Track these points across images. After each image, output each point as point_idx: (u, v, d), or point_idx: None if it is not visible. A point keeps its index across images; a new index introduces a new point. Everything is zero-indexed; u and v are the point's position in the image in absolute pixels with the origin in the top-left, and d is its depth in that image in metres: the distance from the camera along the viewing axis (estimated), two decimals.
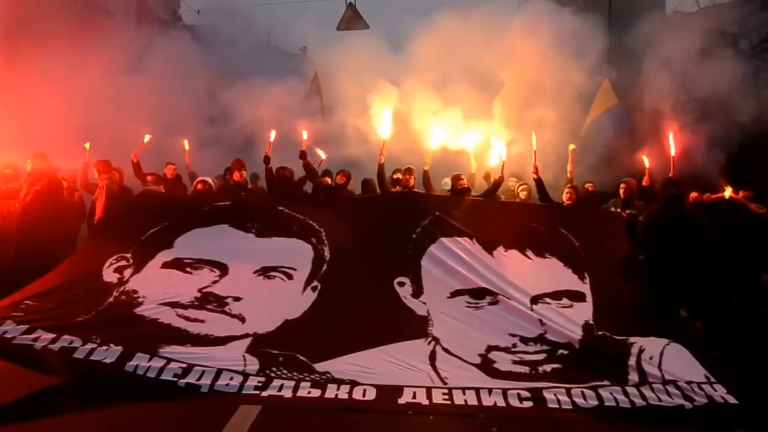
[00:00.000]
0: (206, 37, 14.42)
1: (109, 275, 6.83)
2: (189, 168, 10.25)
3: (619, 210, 8.61)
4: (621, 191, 8.96)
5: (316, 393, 5.45)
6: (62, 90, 9.96)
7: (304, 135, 9.18)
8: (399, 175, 8.94)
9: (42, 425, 4.90)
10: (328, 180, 9.35)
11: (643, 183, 8.83)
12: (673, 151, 8.22)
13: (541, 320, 6.44)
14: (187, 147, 10.31)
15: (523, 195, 8.99)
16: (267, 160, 8.85)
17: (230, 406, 5.19)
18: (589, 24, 10.98)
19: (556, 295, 6.78)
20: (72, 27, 10.53)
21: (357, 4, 14.19)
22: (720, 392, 5.50)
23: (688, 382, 5.62)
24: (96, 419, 4.98)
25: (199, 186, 8.67)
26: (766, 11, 22.97)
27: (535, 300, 6.67)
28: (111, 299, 6.50)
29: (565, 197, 8.35)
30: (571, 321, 6.48)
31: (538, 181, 8.36)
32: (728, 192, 7.20)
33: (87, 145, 9.23)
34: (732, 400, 5.39)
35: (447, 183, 8.85)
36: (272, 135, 9.00)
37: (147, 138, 9.74)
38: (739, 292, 7.19)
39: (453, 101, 9.54)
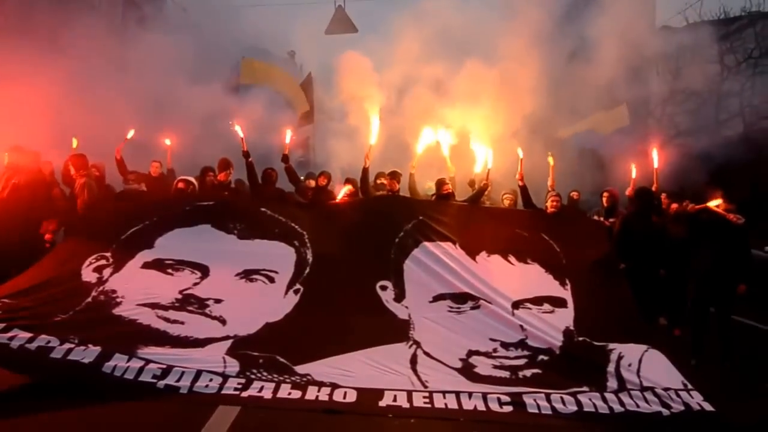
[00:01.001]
0: (191, 37, 14.41)
1: (88, 275, 6.79)
2: (170, 165, 10.33)
3: (601, 219, 8.76)
4: (604, 200, 9.13)
5: (296, 394, 5.49)
6: (44, 83, 9.87)
7: (287, 138, 9.21)
8: (383, 180, 9.02)
9: (19, 425, 4.90)
10: (312, 183, 9.37)
11: (627, 193, 8.98)
12: (656, 164, 8.39)
13: (522, 326, 6.54)
14: (168, 143, 10.37)
15: (507, 202, 9.10)
16: (286, 159, 9.03)
17: (209, 406, 5.21)
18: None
19: (538, 301, 6.88)
20: (55, 19, 10.46)
21: (345, 7, 14.31)
22: (697, 399, 5.64)
23: (666, 389, 5.75)
24: (74, 419, 4.99)
25: (180, 185, 8.62)
26: (751, 27, 23.46)
27: (516, 305, 6.76)
28: (89, 299, 6.48)
29: (549, 204, 8.48)
30: (551, 326, 6.58)
31: (523, 188, 8.50)
32: (716, 202, 7.34)
33: (74, 141, 9.16)
34: (708, 407, 5.53)
35: (431, 188, 8.95)
36: (288, 135, 9.11)
37: (130, 134, 9.68)
38: (717, 301, 7.34)
39: (437, 104, 9.65)
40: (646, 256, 7.77)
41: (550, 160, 9.11)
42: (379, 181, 9.22)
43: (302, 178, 9.88)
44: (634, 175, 9.25)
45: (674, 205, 8.81)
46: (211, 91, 12.67)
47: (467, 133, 9.48)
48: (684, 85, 24.21)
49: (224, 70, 13.84)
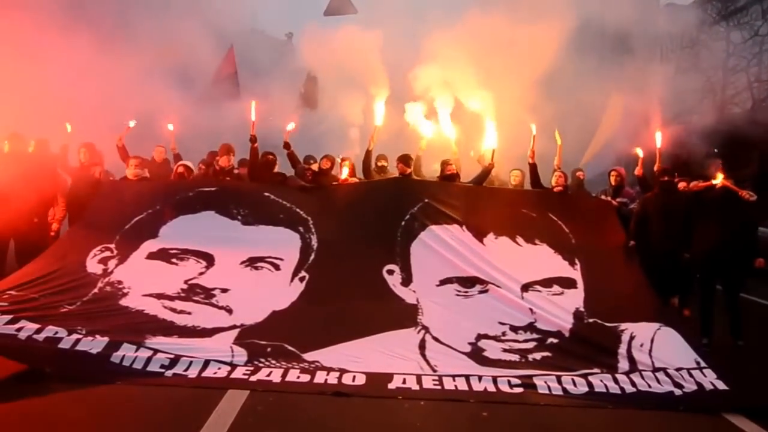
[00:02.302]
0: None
1: (93, 266, 6.89)
2: (174, 150, 10.20)
3: (609, 198, 8.77)
4: (612, 179, 9.13)
5: (305, 378, 5.55)
6: (41, 68, 9.80)
7: (290, 126, 9.20)
8: (384, 163, 9.00)
9: (30, 407, 4.94)
10: (314, 165, 9.35)
11: (636, 173, 9.00)
12: (658, 143, 8.37)
13: (531, 309, 6.57)
14: (171, 128, 10.26)
15: (515, 181, 9.08)
16: (287, 145, 9.04)
17: (219, 390, 5.27)
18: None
19: (547, 283, 6.90)
20: (53, 3, 10.35)
21: None
22: (710, 377, 5.68)
23: (678, 369, 5.79)
24: (83, 404, 5.02)
25: (180, 169, 8.66)
26: (758, 4, 23.34)
27: (525, 288, 6.79)
28: (96, 290, 6.56)
29: (554, 182, 8.50)
30: (561, 309, 6.62)
31: (533, 167, 8.49)
32: (719, 179, 7.34)
33: (68, 126, 9.02)
34: (721, 385, 5.57)
35: (437, 170, 8.95)
36: (290, 125, 9.16)
37: (132, 123, 9.52)
38: (723, 279, 7.40)
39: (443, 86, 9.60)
40: (662, 235, 7.76)
41: (558, 138, 9.14)
42: (380, 164, 9.24)
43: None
44: (641, 154, 9.25)
45: (682, 184, 8.80)
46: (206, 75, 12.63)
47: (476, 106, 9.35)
48: (689, 62, 24.20)
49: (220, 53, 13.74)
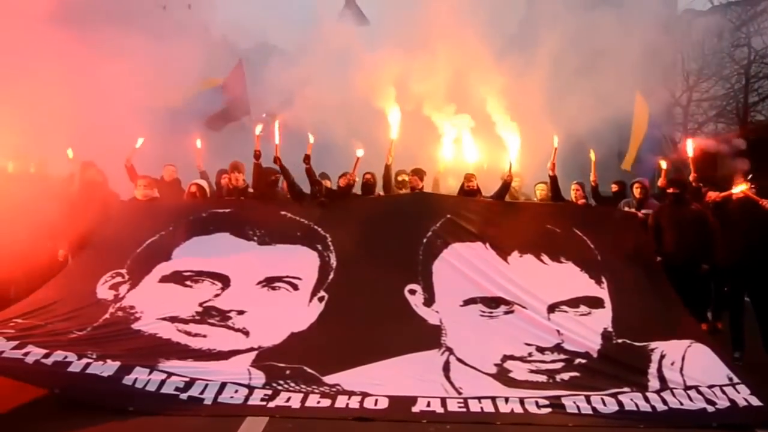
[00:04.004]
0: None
1: (104, 292, 6.84)
2: (201, 168, 9.74)
3: (633, 210, 8.69)
4: (636, 191, 9.05)
5: (325, 403, 5.48)
6: (43, 85, 9.71)
7: (311, 139, 8.77)
8: (404, 177, 8.92)
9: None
10: (328, 183, 9.23)
11: (659, 184, 8.90)
12: (690, 152, 8.28)
13: (558, 330, 6.50)
14: (199, 146, 9.89)
15: (540, 194, 9.05)
16: (307, 159, 8.37)
17: (237, 418, 5.21)
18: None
19: (574, 303, 6.83)
20: (56, 13, 10.30)
21: None
22: (743, 394, 5.61)
23: (710, 386, 5.72)
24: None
25: (193, 189, 8.52)
26: None
27: (552, 308, 6.72)
28: (107, 315, 6.52)
29: (574, 196, 8.53)
30: (589, 329, 6.54)
31: (553, 179, 8.44)
32: (740, 187, 7.25)
33: (69, 153, 8.66)
34: (756, 402, 5.50)
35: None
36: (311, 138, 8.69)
37: (140, 142, 9.08)
38: (751, 292, 7.30)
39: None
40: (678, 248, 7.67)
41: (592, 155, 9.14)
42: (400, 178, 9.13)
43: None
44: (664, 166, 9.18)
45: (711, 194, 8.70)
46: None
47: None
48: (710, 70, 24.10)
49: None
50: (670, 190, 7.92)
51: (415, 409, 5.42)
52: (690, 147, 8.33)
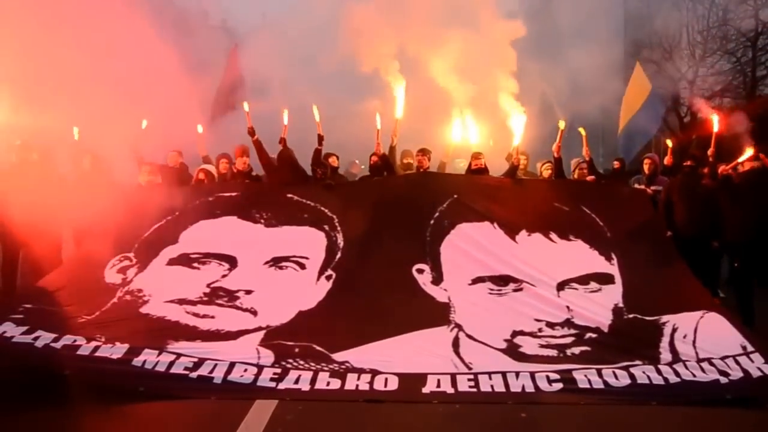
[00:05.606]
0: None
1: (112, 276, 6.86)
2: (204, 152, 9.78)
3: (643, 186, 8.61)
4: (645, 167, 8.98)
5: (335, 384, 5.46)
6: (47, 70, 9.65)
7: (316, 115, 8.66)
8: (410, 159, 8.85)
9: (52, 420, 4.92)
10: (335, 161, 9.13)
11: (666, 162, 8.82)
12: (715, 128, 8.12)
13: (568, 306, 6.45)
14: (201, 131, 9.90)
15: (546, 174, 9.01)
16: (320, 139, 8.50)
17: (246, 401, 5.18)
18: None
19: (583, 280, 6.77)
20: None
21: None
22: (757, 363, 5.60)
23: (723, 358, 5.69)
24: (108, 417, 4.99)
25: (201, 175, 8.55)
26: None
27: (561, 286, 6.67)
28: (115, 299, 6.53)
29: (576, 175, 8.58)
30: (600, 305, 6.50)
31: (557, 161, 8.43)
32: (748, 153, 7.14)
33: (75, 132, 8.71)
34: None
35: (463, 168, 8.80)
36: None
37: (144, 124, 9.07)
38: (758, 268, 7.27)
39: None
40: (688, 222, 7.60)
41: (582, 131, 9.10)
42: (405, 161, 9.05)
43: None
44: (670, 143, 9.09)
45: (722, 167, 8.60)
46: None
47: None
48: (716, 43, 23.80)
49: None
50: (687, 163, 7.82)
51: (425, 389, 5.39)
52: (715, 122, 8.15)
